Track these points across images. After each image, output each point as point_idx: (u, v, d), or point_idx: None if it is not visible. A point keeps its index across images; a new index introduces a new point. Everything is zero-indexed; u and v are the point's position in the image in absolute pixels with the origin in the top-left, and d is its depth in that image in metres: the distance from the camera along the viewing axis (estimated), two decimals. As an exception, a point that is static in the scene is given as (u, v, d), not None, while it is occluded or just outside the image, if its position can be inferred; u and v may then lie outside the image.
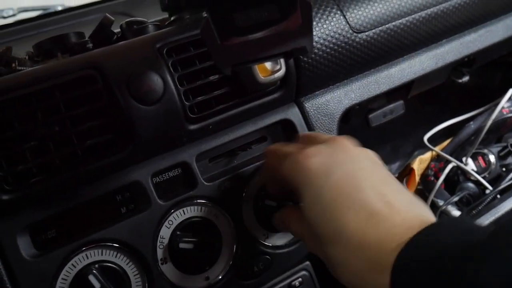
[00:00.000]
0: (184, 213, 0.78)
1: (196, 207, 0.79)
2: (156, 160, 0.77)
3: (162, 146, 0.77)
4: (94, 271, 0.71)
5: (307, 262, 0.92)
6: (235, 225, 0.81)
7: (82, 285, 0.71)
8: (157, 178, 0.78)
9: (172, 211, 0.77)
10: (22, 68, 0.81)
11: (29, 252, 0.70)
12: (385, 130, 1.16)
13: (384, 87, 0.97)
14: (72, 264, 0.71)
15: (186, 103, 0.76)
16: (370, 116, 1.01)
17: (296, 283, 0.91)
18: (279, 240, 0.85)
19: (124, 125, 0.72)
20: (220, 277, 0.81)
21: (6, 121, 0.68)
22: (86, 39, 0.87)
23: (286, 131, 0.88)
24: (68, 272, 0.71)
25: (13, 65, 0.82)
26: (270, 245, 0.84)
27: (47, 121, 0.69)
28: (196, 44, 0.78)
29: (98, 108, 0.72)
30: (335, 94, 0.92)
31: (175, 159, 0.78)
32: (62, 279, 0.71)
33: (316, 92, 0.91)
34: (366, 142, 1.33)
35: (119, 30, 0.89)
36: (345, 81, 0.94)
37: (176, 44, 0.77)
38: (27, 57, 0.86)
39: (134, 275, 0.75)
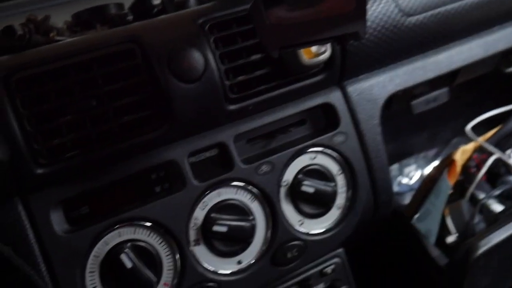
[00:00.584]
0: (219, 195, 0.76)
1: (231, 189, 0.77)
2: (193, 140, 0.75)
3: (200, 126, 0.75)
4: (126, 250, 0.70)
5: (341, 249, 0.90)
6: (270, 209, 0.79)
7: (114, 263, 0.70)
8: (193, 158, 0.76)
9: (207, 192, 0.75)
10: (61, 38, 0.79)
11: (62, 228, 0.69)
12: (424, 116, 1.12)
13: (430, 74, 0.93)
14: (105, 242, 0.70)
15: (227, 82, 0.74)
16: (413, 103, 0.98)
17: (328, 270, 0.89)
18: (314, 227, 0.83)
19: (162, 102, 0.70)
20: (253, 261, 0.79)
21: (43, 94, 0.66)
22: (126, 11, 0.85)
23: (327, 115, 0.85)
24: (100, 249, 0.70)
25: (51, 34, 0.80)
26: (305, 231, 0.82)
27: (85, 95, 0.68)
28: (239, 21, 0.75)
29: (136, 83, 0.69)
30: (380, 79, 0.89)
31: (212, 139, 0.76)
32: (94, 256, 0.70)
33: (360, 76, 0.87)
34: (403, 127, 1.30)
35: (159, 2, 0.87)
36: (391, 65, 0.90)
37: (219, 20, 0.74)
38: (65, 27, 0.85)
39: (166, 256, 0.74)
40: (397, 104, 0.96)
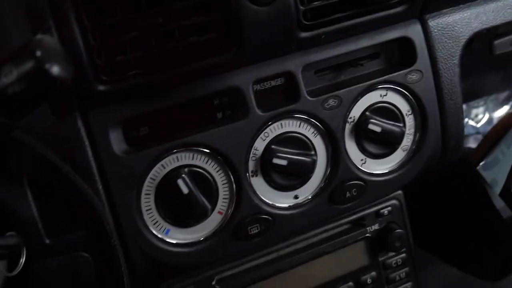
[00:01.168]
0: (282, 127, 0.73)
1: (295, 121, 0.74)
2: (260, 67, 0.71)
3: (268, 52, 0.71)
4: (183, 175, 0.68)
5: (400, 192, 0.87)
6: (333, 146, 0.76)
7: (170, 187, 0.68)
8: (258, 86, 0.72)
9: (270, 123, 0.72)
10: None
11: (120, 147, 0.67)
12: (503, 57, 1.04)
13: (519, 12, 0.85)
14: (162, 165, 0.69)
15: (301, 7, 0.69)
16: (496, 42, 0.90)
17: (385, 211, 0.86)
18: (377, 167, 0.80)
19: (232, 24, 0.66)
20: (310, 197, 0.77)
21: (108, 8, 0.62)
22: None
23: (403, 50, 0.79)
24: (158, 172, 0.69)
25: None
26: (367, 171, 0.79)
27: (151, 11, 0.64)
28: None
29: (206, 3, 0.65)
30: (465, 15, 0.81)
31: (280, 67, 0.72)
32: (151, 178, 0.69)
33: (444, 11, 0.80)
34: (477, 66, 1.23)
35: None
36: (478, 0, 0.83)
37: None
38: None
39: (223, 184, 0.72)
40: (478, 43, 0.89)
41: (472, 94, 1.29)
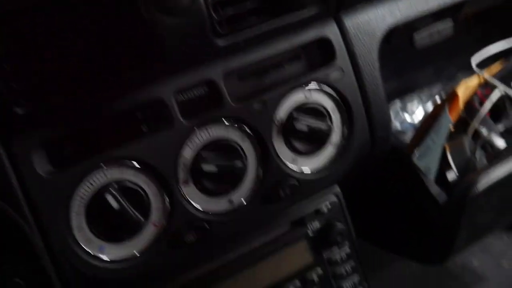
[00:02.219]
0: (209, 134, 0.74)
1: (222, 128, 0.75)
2: (181, 77, 0.72)
3: (187, 62, 0.72)
4: (113, 191, 0.68)
5: (336, 187, 0.89)
6: (262, 148, 0.77)
7: (100, 204, 0.68)
8: (181, 95, 0.73)
9: (196, 131, 0.73)
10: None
11: (45, 169, 0.67)
12: (429, 52, 1.07)
13: (433, 5, 0.88)
14: (90, 183, 0.69)
15: (215, 15, 0.70)
16: (416, 36, 0.93)
17: (324, 208, 0.88)
18: (308, 165, 0.81)
19: (147, 37, 0.66)
20: (244, 201, 0.78)
21: (23, 31, 0.62)
22: None
23: (322, 50, 0.81)
24: (86, 190, 0.69)
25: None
26: (299, 170, 0.80)
27: (66, 33, 0.64)
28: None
29: (120, 19, 0.66)
30: (379, 11, 0.84)
31: (201, 76, 0.73)
32: (79, 197, 0.68)
33: (358, 8, 0.83)
34: (407, 63, 1.26)
35: None
36: (391, -4, 0.85)
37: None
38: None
39: (154, 196, 0.72)
40: (398, 38, 0.92)
41: (406, 89, 1.32)
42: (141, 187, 0.71)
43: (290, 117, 0.78)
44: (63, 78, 0.65)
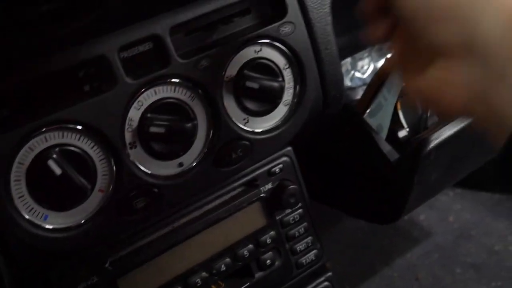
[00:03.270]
0: (156, 93, 0.70)
1: (169, 87, 0.71)
2: (124, 32, 0.67)
3: (131, 15, 0.67)
4: (54, 156, 0.64)
5: (289, 148, 0.87)
6: (212, 108, 0.73)
7: (41, 170, 0.64)
8: (125, 52, 0.68)
9: (142, 90, 0.69)
10: None
11: (-22, 133, 0.62)
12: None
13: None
14: (29, 147, 0.64)
15: None
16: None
17: (276, 169, 0.86)
18: (260, 125, 0.79)
19: None
20: (195, 163, 0.75)
21: None
22: None
23: (273, 3, 0.77)
24: (25, 155, 0.64)
25: None
26: (250, 130, 0.78)
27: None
28: None
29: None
30: (330, -38, 0.81)
31: (145, 31, 0.68)
32: (18, 163, 0.64)
33: (311, -41, 0.79)
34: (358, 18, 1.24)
35: None
36: None
37: None
38: None
39: (100, 160, 0.68)
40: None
41: (357, 46, 1.30)
42: (85, 152, 0.67)
43: (240, 75, 0.74)
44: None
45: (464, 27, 0.45)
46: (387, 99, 0.94)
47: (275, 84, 0.76)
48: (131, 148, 0.69)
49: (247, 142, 0.77)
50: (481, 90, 0.46)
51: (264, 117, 0.78)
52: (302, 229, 0.89)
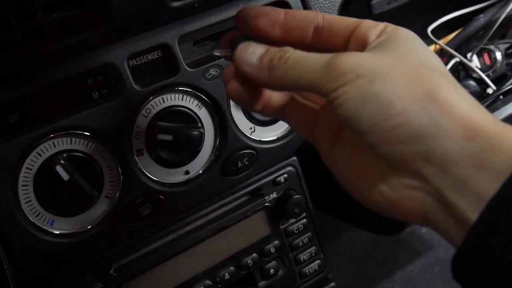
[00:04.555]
0: (164, 101, 0.71)
1: (177, 95, 0.71)
2: (133, 41, 0.68)
3: (140, 25, 0.68)
4: (62, 161, 0.64)
5: (294, 158, 0.87)
6: (219, 117, 0.74)
7: (49, 175, 0.64)
8: (134, 60, 0.69)
9: (151, 98, 0.70)
10: None
11: (-12, 138, 0.62)
12: (385, 18, 1.06)
13: (391, -30, 0.87)
14: (37, 153, 0.64)
15: None
16: (373, 2, 0.92)
17: (281, 179, 0.86)
18: (266, 134, 0.79)
19: None
20: (201, 171, 0.75)
21: None
22: None
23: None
24: (33, 161, 0.64)
25: None
26: (257, 139, 0.78)
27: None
28: None
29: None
30: (338, -25, 0.82)
31: (155, 40, 0.69)
32: (27, 168, 0.64)
33: (319, -29, 0.80)
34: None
35: None
36: (350, -40, 0.83)
37: None
38: None
39: (107, 167, 0.69)
40: (356, 4, 0.90)
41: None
42: (93, 158, 0.67)
43: (249, 84, 0.75)
44: (4, 39, 0.60)
45: (422, 143, 0.43)
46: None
47: (283, 94, 0.76)
48: (138, 155, 0.70)
49: (253, 151, 0.77)
50: (440, 200, 0.43)
51: (271, 126, 0.79)
52: (306, 239, 0.89)
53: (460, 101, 0.43)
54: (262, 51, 0.51)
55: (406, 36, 0.48)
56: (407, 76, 0.44)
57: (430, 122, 0.42)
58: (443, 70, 0.46)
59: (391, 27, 0.49)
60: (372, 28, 0.50)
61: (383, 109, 0.43)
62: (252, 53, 0.51)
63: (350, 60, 0.45)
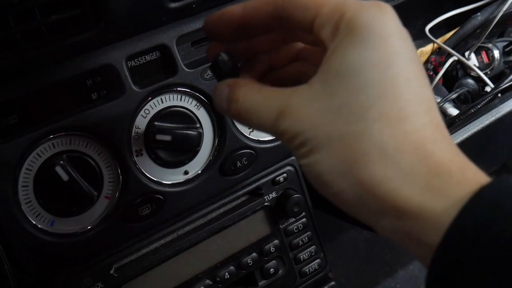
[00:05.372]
0: (162, 102, 0.71)
1: (175, 95, 0.72)
2: (132, 42, 0.69)
3: (139, 26, 0.68)
4: (62, 162, 0.65)
5: (293, 157, 0.87)
6: (217, 116, 0.74)
7: (49, 176, 0.65)
8: (132, 61, 0.69)
9: (149, 99, 0.70)
10: None
11: (-13, 139, 0.63)
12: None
13: (389, -31, 0.87)
14: (37, 154, 0.65)
15: None
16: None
17: (281, 178, 0.86)
18: (265, 134, 0.79)
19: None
20: (200, 171, 0.75)
21: None
22: None
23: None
24: (33, 162, 0.65)
25: None
26: (256, 139, 0.79)
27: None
28: None
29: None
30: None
31: (153, 41, 0.70)
32: (26, 169, 0.65)
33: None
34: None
35: None
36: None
37: None
38: None
39: (106, 167, 0.69)
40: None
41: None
42: (92, 158, 0.68)
43: (247, 85, 0.75)
44: (3, 40, 0.61)
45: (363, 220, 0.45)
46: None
47: (280, 94, 0.76)
48: (137, 155, 0.70)
49: (252, 151, 0.78)
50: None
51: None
52: (306, 238, 0.90)
53: (385, 176, 0.42)
54: (225, 91, 0.52)
55: (356, 52, 0.44)
56: (340, 150, 0.43)
57: (362, 203, 0.43)
58: (383, 105, 0.43)
59: (344, 23, 0.44)
60: (326, 25, 0.46)
61: (326, 188, 0.45)
62: (219, 94, 0.53)
63: (291, 127, 0.46)
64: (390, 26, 0.45)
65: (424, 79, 0.46)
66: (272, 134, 0.50)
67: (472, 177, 0.41)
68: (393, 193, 0.41)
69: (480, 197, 0.39)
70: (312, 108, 0.45)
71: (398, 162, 0.42)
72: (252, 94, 0.50)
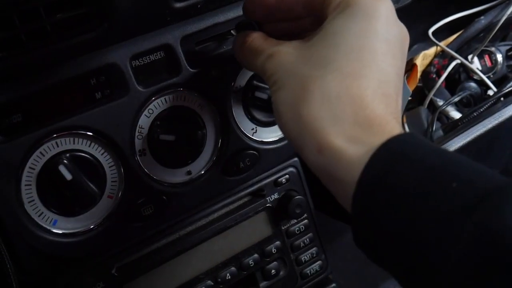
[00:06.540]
0: (166, 102, 0.71)
1: (179, 95, 0.71)
2: (136, 41, 0.68)
3: (143, 25, 0.68)
4: (65, 161, 0.65)
5: (295, 159, 0.87)
6: (221, 117, 0.74)
7: (52, 175, 0.64)
8: (136, 61, 0.69)
9: (153, 98, 0.70)
10: None
11: (-9, 138, 0.63)
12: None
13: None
14: (41, 153, 0.65)
15: None
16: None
17: (283, 179, 0.86)
18: (268, 135, 0.79)
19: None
20: (203, 172, 0.75)
21: None
22: None
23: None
24: (36, 161, 0.65)
25: None
26: (259, 140, 0.79)
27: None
28: None
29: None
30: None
31: (157, 40, 0.70)
32: (30, 168, 0.64)
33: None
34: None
35: None
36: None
37: None
38: None
39: (110, 167, 0.69)
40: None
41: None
42: (95, 158, 0.67)
43: (250, 85, 0.75)
44: (7, 39, 0.60)
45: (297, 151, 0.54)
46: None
47: (284, 95, 0.76)
48: (140, 155, 0.70)
49: (255, 152, 0.78)
50: None
51: (272, 127, 0.79)
52: (307, 239, 0.90)
53: (319, 116, 0.50)
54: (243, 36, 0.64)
55: (345, 22, 0.53)
56: (295, 88, 0.52)
57: (299, 135, 0.52)
58: (348, 64, 0.51)
59: (344, 2, 0.54)
60: (332, 3, 0.55)
61: (278, 119, 0.55)
62: (239, 38, 0.65)
63: (272, 67, 0.56)
64: (379, 10, 0.53)
65: (393, 61, 0.52)
66: (259, 73, 0.60)
67: (390, 130, 0.48)
68: (322, 131, 0.49)
69: (384, 146, 0.46)
70: (292, 55, 0.55)
71: (334, 107, 0.49)
72: (259, 39, 0.61)
